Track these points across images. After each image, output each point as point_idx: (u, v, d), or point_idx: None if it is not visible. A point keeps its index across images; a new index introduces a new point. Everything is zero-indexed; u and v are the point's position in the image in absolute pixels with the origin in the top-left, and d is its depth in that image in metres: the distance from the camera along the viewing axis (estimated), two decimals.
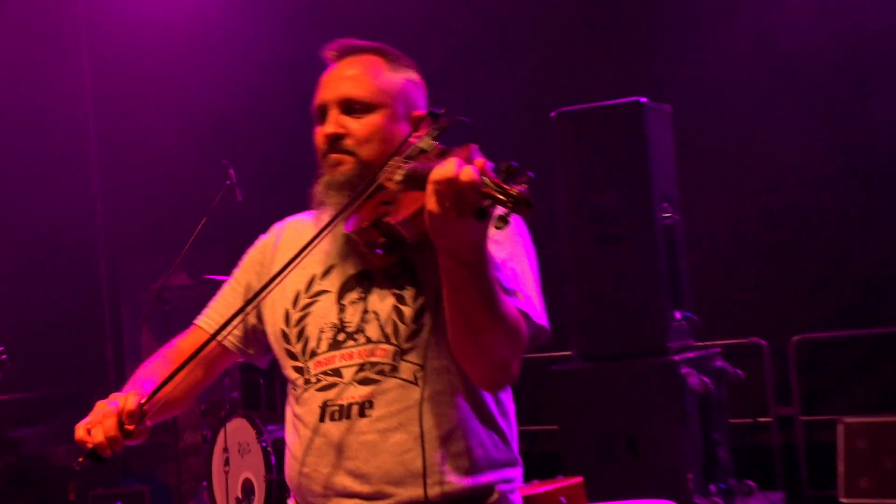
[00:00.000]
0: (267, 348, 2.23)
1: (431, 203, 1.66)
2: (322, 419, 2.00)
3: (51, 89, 9.98)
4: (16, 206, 9.64)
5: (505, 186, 1.62)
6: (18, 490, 8.74)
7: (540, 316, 1.99)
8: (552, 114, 5.75)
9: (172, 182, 9.05)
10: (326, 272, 2.09)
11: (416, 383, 1.97)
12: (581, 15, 8.01)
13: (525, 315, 1.92)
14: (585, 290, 5.67)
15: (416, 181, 1.80)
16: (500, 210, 1.63)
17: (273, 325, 2.14)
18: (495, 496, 2.03)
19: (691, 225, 6.29)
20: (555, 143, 5.75)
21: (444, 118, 1.95)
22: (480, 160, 1.67)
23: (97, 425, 1.88)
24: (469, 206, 1.62)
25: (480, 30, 8.02)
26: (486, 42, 7.90)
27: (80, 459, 1.92)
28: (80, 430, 1.92)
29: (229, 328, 2.05)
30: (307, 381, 2.05)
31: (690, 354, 5.52)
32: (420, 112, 2.12)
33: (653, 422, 5.34)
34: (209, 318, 2.26)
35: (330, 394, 2.01)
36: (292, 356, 2.09)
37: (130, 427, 1.89)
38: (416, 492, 1.93)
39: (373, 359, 1.98)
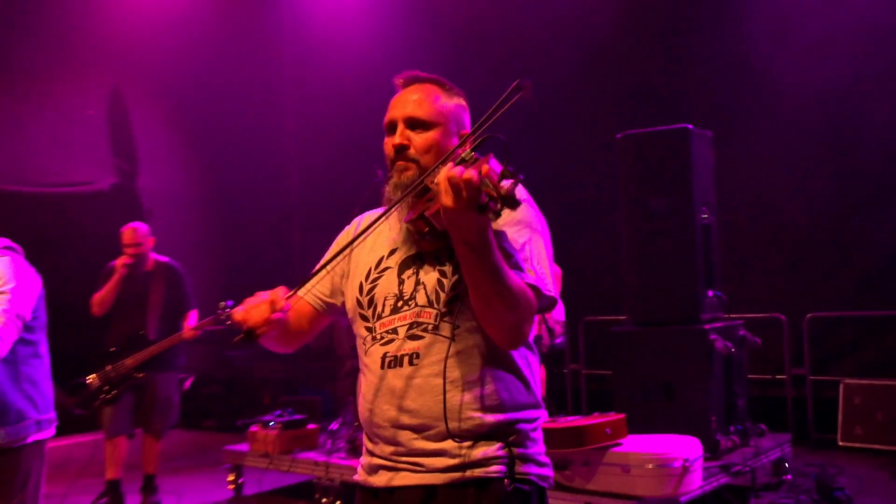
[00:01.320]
0: (342, 314, 2.15)
1: (443, 197, 1.61)
2: (383, 367, 1.94)
3: (263, 114, 10.26)
4: (237, 197, 10.02)
5: (498, 186, 1.55)
6: (231, 395, 9.12)
7: (549, 289, 1.87)
8: (618, 135, 5.60)
9: (344, 175, 9.24)
10: (391, 253, 2.03)
11: (452, 339, 1.88)
12: (648, 58, 7.84)
13: (536, 289, 1.82)
14: (639, 272, 5.50)
15: None
16: (496, 206, 1.57)
17: (350, 294, 2.07)
18: (517, 435, 1.91)
19: (729, 224, 6.10)
20: (619, 158, 5.60)
21: (483, 136, 1.85)
22: (486, 166, 1.59)
23: (252, 311, 1.88)
24: (468, 201, 1.57)
25: (570, 68, 7.90)
26: (571, 77, 7.79)
27: (238, 338, 1.90)
28: (237, 314, 1.90)
29: (311, 284, 2.10)
30: (374, 338, 1.98)
31: (718, 324, 5.29)
32: (466, 130, 2.03)
33: (686, 375, 5.15)
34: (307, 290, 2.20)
35: (389, 347, 1.94)
36: (364, 318, 2.01)
37: (276, 315, 1.86)
38: (450, 425, 1.86)
39: (420, 319, 1.91)
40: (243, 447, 5.89)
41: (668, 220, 5.36)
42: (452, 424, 1.85)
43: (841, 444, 6.37)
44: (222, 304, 5.63)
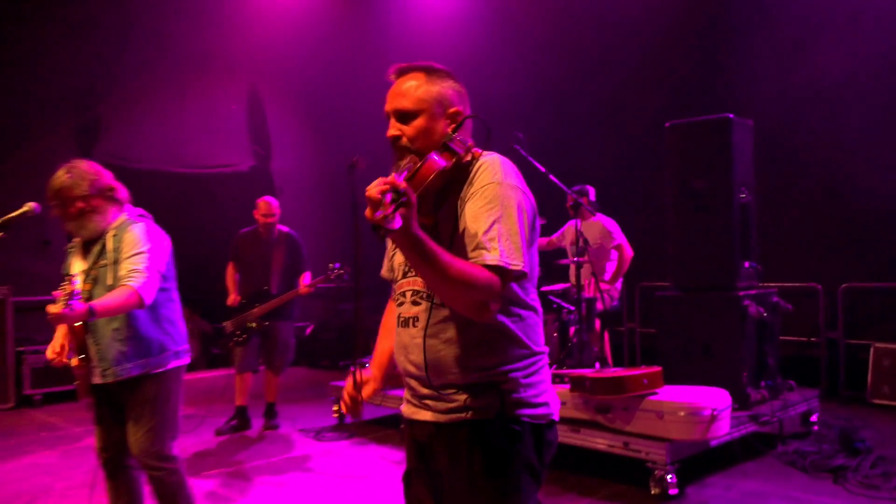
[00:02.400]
0: None
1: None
2: (398, 326, 1.94)
3: (376, 105, 10.40)
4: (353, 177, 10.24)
5: (386, 208, 1.44)
6: (343, 340, 9.39)
7: (515, 263, 1.72)
8: (666, 124, 5.46)
9: None
10: None
11: (441, 304, 1.82)
12: (693, 50, 7.58)
13: (498, 268, 1.71)
14: (682, 244, 5.37)
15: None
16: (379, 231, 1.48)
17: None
18: (508, 382, 1.83)
19: (772, 204, 5.87)
20: (667, 145, 5.45)
21: (467, 117, 1.77)
22: (387, 184, 1.49)
23: (343, 402, 2.06)
24: (370, 215, 1.50)
25: (630, 66, 7.71)
26: (630, 74, 7.61)
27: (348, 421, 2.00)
28: (345, 409, 2.10)
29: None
30: (394, 300, 1.98)
31: (753, 292, 5.13)
32: (456, 108, 1.90)
33: (721, 335, 5.03)
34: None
35: (401, 309, 1.93)
36: (392, 282, 2.02)
37: (359, 399, 2.01)
38: (446, 378, 1.84)
39: (418, 287, 1.89)
40: (345, 384, 6.09)
41: (708, 199, 5.20)
42: (445, 378, 1.83)
43: (869, 401, 6.09)
44: (331, 265, 5.90)
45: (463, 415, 1.83)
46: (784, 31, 6.98)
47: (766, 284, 5.42)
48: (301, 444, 5.60)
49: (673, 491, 4.07)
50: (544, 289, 5.65)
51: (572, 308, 5.34)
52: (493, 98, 8.91)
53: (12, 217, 2.74)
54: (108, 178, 3.21)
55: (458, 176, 1.83)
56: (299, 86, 10.38)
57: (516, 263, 1.74)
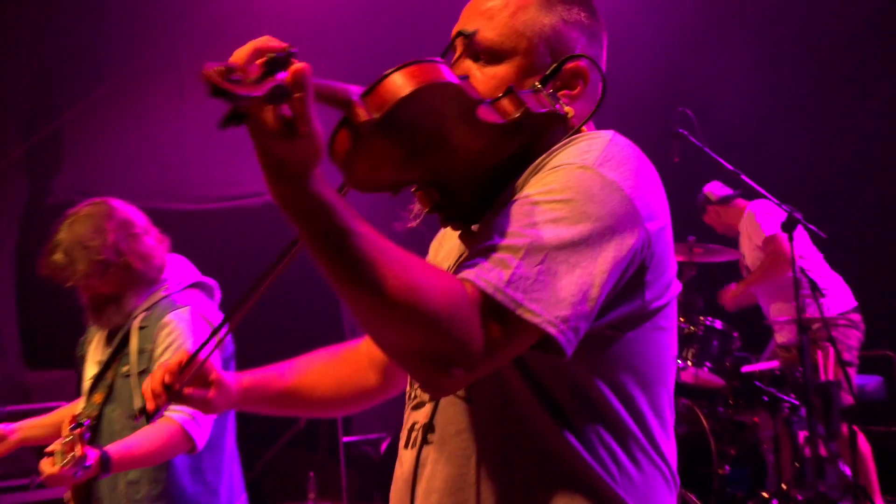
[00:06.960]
0: None
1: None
2: (405, 445, 1.56)
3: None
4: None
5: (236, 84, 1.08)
6: None
7: (519, 298, 1.23)
8: None
9: None
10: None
11: (467, 400, 1.43)
12: None
13: (488, 298, 1.23)
14: None
15: None
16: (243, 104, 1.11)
17: None
18: None
19: None
20: None
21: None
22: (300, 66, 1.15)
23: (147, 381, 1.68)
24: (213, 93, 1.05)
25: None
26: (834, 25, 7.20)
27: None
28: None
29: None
30: (409, 398, 1.62)
31: None
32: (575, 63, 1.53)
33: None
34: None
35: (417, 415, 1.55)
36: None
37: (170, 383, 1.62)
38: None
39: None
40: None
41: None
42: None
43: None
44: None
45: None
46: None
47: None
48: None
49: None
50: (745, 369, 4.87)
51: (796, 402, 4.43)
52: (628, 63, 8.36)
53: None
54: (133, 228, 3.01)
55: (530, 151, 1.45)
56: (342, 75, 10.10)
57: (520, 299, 1.24)
